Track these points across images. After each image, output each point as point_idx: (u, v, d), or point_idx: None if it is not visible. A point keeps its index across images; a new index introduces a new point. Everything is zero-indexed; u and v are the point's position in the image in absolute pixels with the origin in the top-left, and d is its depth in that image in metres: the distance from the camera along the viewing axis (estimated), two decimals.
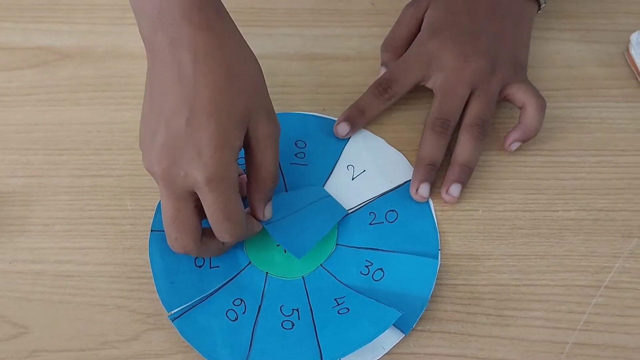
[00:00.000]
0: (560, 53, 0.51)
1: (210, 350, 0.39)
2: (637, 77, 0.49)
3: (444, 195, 0.44)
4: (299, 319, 0.40)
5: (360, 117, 0.46)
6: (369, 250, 0.42)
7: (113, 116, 0.47)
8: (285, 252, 0.42)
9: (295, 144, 0.46)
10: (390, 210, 0.44)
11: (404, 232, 0.43)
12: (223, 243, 0.39)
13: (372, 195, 0.45)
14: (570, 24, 0.52)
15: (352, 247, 0.43)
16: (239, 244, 0.42)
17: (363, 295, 0.40)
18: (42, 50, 0.51)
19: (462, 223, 0.43)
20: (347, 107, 0.47)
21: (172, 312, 0.40)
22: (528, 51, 0.48)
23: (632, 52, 0.49)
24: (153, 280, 0.41)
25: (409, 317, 0.40)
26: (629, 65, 0.50)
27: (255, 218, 0.40)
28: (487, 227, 0.44)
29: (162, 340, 0.40)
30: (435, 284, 0.41)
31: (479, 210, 0.44)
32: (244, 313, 0.40)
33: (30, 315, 0.41)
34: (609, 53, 0.51)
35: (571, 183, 0.45)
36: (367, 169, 0.46)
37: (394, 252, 0.42)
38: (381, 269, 0.41)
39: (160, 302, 0.40)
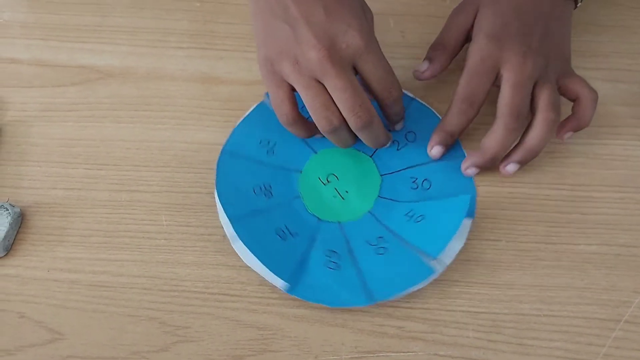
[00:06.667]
0: None
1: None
2: None
3: (501, 168, 0.47)
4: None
5: (450, 139, 0.47)
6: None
7: (151, 134, 0.49)
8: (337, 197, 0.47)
9: None
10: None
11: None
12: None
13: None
14: (595, 62, 0.54)
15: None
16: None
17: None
18: (85, 69, 0.53)
19: (486, 252, 0.44)
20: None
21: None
22: (570, 46, 0.49)
23: None
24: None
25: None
26: None
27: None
28: (510, 257, 0.45)
29: (190, 352, 0.41)
30: (459, 311, 0.42)
31: (502, 240, 0.45)
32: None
33: (65, 322, 0.42)
34: (633, 92, 0.52)
35: (593, 218, 0.46)
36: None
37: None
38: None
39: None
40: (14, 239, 0.45)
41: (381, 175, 0.47)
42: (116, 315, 0.42)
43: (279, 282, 0.42)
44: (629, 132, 0.50)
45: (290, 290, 0.42)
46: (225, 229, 0.44)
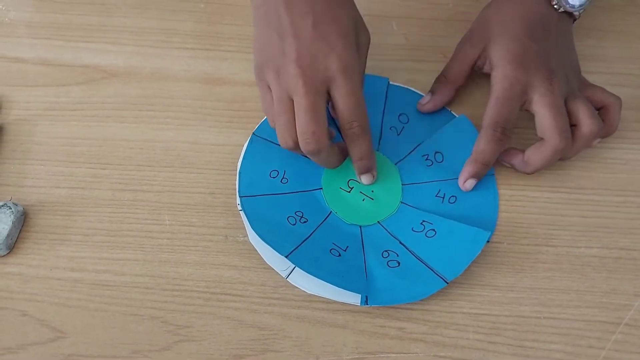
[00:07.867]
0: None
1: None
2: None
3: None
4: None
5: (485, 170, 0.46)
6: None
7: (155, 134, 0.49)
8: (363, 200, 0.47)
9: None
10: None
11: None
12: (342, 157, 0.45)
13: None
14: (598, 67, 0.54)
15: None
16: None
17: (447, 219, 0.45)
18: (89, 68, 0.53)
19: (487, 254, 0.45)
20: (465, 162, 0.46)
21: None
22: (577, 58, 0.50)
23: None
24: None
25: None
26: None
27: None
28: (511, 260, 0.45)
29: (192, 352, 0.41)
30: (459, 313, 0.43)
31: (503, 243, 0.45)
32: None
33: (68, 321, 0.42)
34: (635, 96, 0.52)
35: (594, 221, 0.46)
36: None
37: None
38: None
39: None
40: (17, 238, 0.45)
41: (395, 164, 0.48)
42: (118, 314, 0.42)
43: (354, 299, 0.42)
44: (630, 136, 0.50)
45: (367, 301, 0.42)
46: (277, 270, 0.43)
